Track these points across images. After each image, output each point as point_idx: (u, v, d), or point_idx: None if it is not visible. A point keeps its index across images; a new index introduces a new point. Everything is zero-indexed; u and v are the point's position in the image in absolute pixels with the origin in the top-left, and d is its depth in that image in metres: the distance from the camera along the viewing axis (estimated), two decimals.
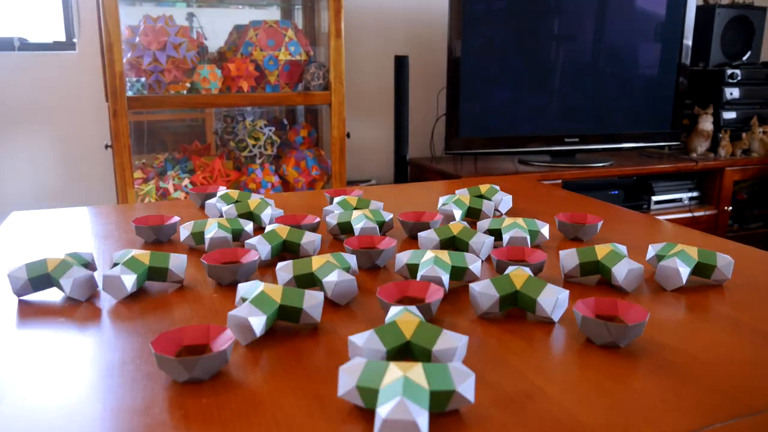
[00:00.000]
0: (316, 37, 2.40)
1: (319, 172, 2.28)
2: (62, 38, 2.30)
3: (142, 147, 2.29)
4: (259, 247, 0.77)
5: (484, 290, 0.62)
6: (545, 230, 0.85)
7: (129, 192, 1.98)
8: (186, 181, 2.11)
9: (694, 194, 2.81)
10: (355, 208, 0.95)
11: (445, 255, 0.70)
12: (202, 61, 2.12)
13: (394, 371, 0.45)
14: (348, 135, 2.25)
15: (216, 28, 2.29)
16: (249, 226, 0.87)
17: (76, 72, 2.29)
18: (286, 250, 0.81)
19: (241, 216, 0.94)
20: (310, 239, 0.80)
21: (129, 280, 0.68)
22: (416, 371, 0.45)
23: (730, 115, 2.87)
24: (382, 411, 0.41)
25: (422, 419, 0.41)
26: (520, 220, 0.85)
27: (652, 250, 0.76)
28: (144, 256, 0.71)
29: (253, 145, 2.20)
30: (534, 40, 2.49)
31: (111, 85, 1.90)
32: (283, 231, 0.80)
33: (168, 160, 2.22)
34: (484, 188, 1.07)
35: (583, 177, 2.51)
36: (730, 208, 2.82)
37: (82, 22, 2.27)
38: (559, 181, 2.48)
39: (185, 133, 2.38)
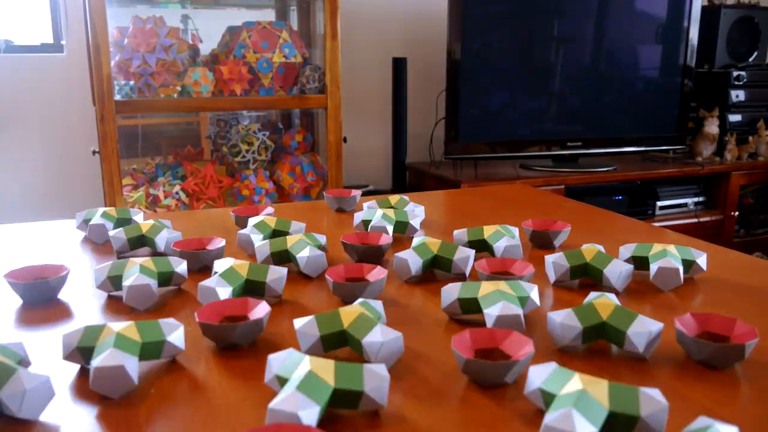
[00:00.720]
0: (312, 39, 2.34)
1: (314, 177, 2.21)
2: (50, 40, 2.23)
3: (133, 152, 2.23)
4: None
5: (565, 321, 0.56)
6: (701, 260, 0.74)
7: (117, 200, 1.91)
8: (177, 188, 2.04)
9: (700, 199, 2.74)
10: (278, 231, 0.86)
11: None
12: (193, 63, 2.06)
13: None
14: (345, 139, 2.18)
15: (210, 30, 2.22)
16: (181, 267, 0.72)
17: (64, 75, 2.23)
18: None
19: (132, 240, 0.81)
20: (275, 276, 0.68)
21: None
22: None
23: (736, 117, 2.81)
24: None
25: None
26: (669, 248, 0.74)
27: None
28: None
29: (247, 150, 2.13)
30: (536, 42, 2.43)
31: (98, 89, 1.84)
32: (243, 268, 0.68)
33: (159, 165, 2.15)
34: (393, 199, 1.02)
35: (586, 182, 2.45)
36: (737, 213, 2.76)
37: (71, 23, 2.20)
38: (562, 186, 2.41)
39: (178, 137, 2.31)
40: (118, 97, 1.91)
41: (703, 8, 2.77)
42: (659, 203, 2.65)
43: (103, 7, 1.79)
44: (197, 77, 1.97)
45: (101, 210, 0.91)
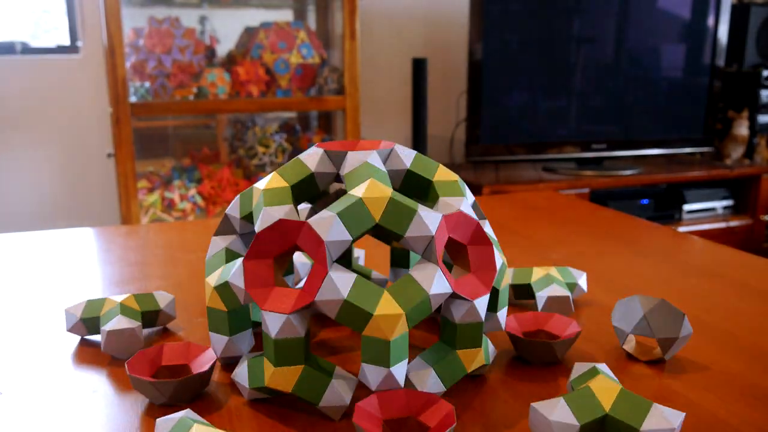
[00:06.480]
0: (330, 39, 2.29)
1: None
2: (66, 42, 2.21)
3: (149, 154, 2.19)
4: None
5: (560, 418, 0.40)
6: (583, 280, 0.66)
7: (132, 203, 1.88)
8: (193, 191, 2.01)
9: (729, 203, 2.66)
10: None
11: None
12: (210, 64, 2.02)
13: None
14: None
15: (228, 31, 2.19)
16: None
17: (80, 77, 2.20)
18: None
19: None
20: None
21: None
22: None
23: (766, 118, 2.72)
24: None
25: None
26: (553, 271, 0.66)
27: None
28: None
29: (263, 153, 2.09)
30: (558, 42, 2.36)
31: (113, 91, 1.81)
32: None
33: (175, 168, 2.12)
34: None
35: (611, 185, 2.38)
36: (767, 217, 2.67)
37: (87, 25, 2.18)
38: (586, 189, 2.35)
39: (195, 139, 2.28)
40: (133, 99, 1.88)
41: (732, 6, 2.69)
42: (686, 207, 2.57)
43: (118, 8, 1.76)
44: (213, 78, 1.94)
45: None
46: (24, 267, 0.81)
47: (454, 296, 0.45)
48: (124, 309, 0.56)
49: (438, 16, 2.61)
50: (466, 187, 0.52)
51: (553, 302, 0.61)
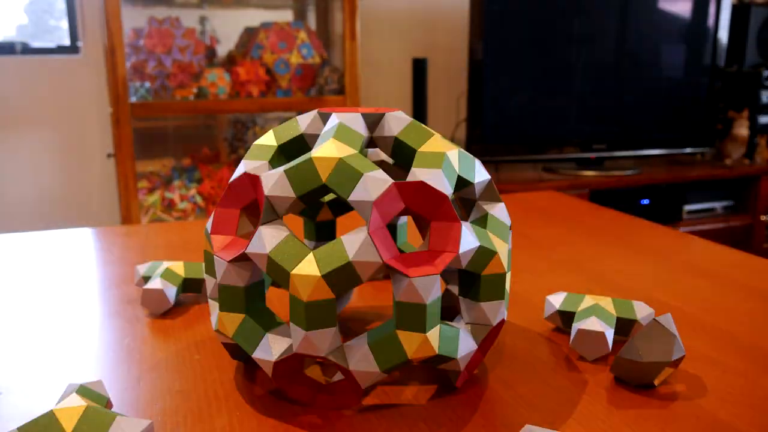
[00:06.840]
0: (330, 39, 2.29)
1: None
2: (66, 42, 2.21)
3: (149, 154, 2.19)
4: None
5: None
6: (646, 319, 0.57)
7: (132, 203, 1.88)
8: (193, 191, 2.01)
9: (729, 203, 2.66)
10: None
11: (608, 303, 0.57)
12: (210, 64, 2.02)
13: None
14: None
15: (228, 30, 2.19)
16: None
17: (80, 77, 2.20)
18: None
19: None
20: None
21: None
22: None
23: (766, 119, 2.72)
24: None
25: None
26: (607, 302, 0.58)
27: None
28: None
29: None
30: (560, 42, 2.36)
31: (113, 91, 1.81)
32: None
33: (175, 168, 2.12)
34: None
35: (612, 185, 2.38)
36: (767, 217, 2.67)
37: (87, 25, 2.18)
38: (586, 190, 2.35)
39: (195, 139, 2.28)
40: (133, 99, 1.88)
41: (733, 6, 2.69)
42: (686, 207, 2.57)
43: (118, 8, 1.76)
44: (214, 78, 1.94)
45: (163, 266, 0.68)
46: (24, 267, 0.81)
47: (395, 270, 0.41)
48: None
49: (438, 16, 2.61)
50: (477, 164, 0.49)
51: (584, 336, 0.55)
